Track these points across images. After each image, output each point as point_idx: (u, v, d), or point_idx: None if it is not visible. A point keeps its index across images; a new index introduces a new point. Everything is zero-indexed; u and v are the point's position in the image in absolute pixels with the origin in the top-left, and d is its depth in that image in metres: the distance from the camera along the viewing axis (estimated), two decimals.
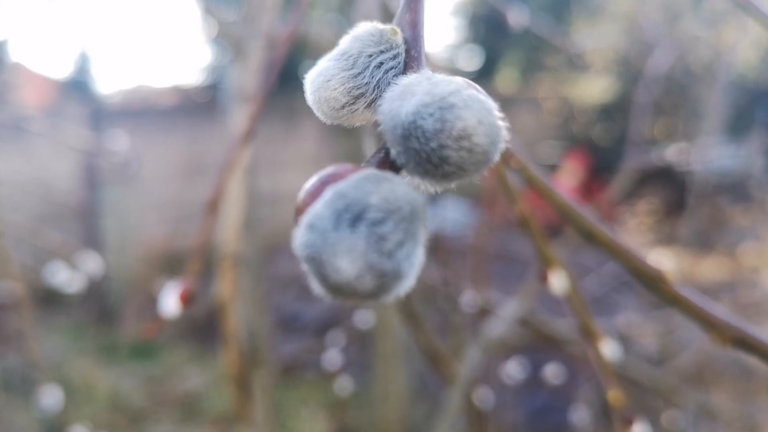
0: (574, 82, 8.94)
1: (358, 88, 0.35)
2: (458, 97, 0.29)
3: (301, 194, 0.30)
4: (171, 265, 5.14)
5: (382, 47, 0.36)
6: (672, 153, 3.33)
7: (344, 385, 2.47)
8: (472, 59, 10.74)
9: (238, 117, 1.49)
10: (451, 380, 2.09)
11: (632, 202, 6.65)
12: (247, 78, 1.46)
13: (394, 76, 0.35)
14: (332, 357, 2.63)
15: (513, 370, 2.76)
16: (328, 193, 0.29)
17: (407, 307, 1.99)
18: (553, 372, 2.74)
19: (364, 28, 0.37)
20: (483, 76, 10.47)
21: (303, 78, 0.37)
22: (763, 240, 5.44)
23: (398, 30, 0.36)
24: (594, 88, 8.60)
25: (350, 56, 0.36)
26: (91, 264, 2.47)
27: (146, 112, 7.67)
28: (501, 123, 0.30)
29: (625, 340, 3.46)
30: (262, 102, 1.05)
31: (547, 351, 3.03)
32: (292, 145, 6.86)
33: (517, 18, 2.07)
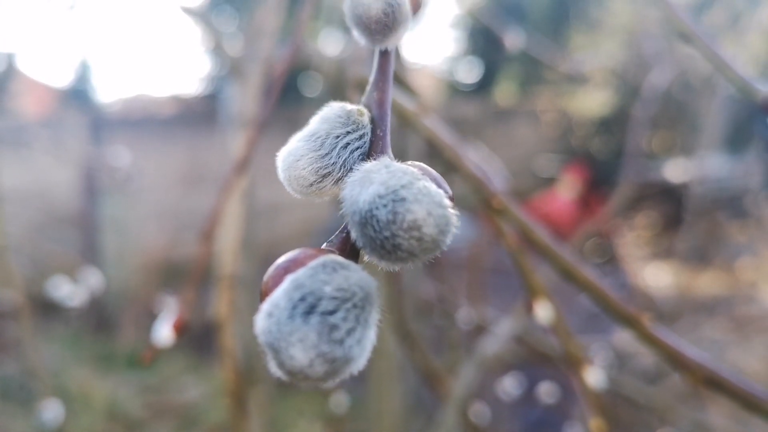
0: (573, 95, 8.96)
1: (326, 168, 0.38)
2: (409, 191, 0.32)
3: (265, 278, 0.32)
4: (170, 274, 5.15)
5: (348, 128, 0.38)
6: (671, 172, 3.34)
7: (340, 402, 2.47)
8: (471, 71, 10.77)
9: (236, 141, 1.51)
10: (446, 397, 2.10)
11: (630, 216, 6.66)
12: (246, 102, 1.48)
13: (360, 156, 0.38)
14: None
15: (509, 385, 2.77)
16: (287, 282, 0.31)
17: (402, 324, 2.01)
18: (546, 390, 2.74)
19: (332, 109, 0.39)
20: (482, 89, 10.49)
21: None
22: (761, 255, 5.45)
23: (365, 111, 0.39)
24: (593, 102, 8.62)
25: (318, 137, 0.38)
26: (92, 278, 2.49)
27: (146, 122, 7.69)
28: (450, 213, 0.32)
29: (621, 357, 3.46)
30: (260, 129, 1.07)
31: (543, 367, 3.04)
32: None
33: (513, 40, 2.09)
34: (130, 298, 5.41)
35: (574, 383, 1.04)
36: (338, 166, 0.37)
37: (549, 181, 7.38)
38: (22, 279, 2.26)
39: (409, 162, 0.35)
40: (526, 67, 9.55)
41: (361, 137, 0.38)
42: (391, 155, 0.37)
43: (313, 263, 0.31)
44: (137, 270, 5.63)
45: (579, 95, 8.86)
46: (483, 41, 9.96)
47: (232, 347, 1.32)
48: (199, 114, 8.12)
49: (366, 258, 0.34)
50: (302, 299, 0.30)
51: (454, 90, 10.90)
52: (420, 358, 2.05)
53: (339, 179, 0.37)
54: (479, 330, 2.41)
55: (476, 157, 0.98)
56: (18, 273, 2.22)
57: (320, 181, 0.38)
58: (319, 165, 0.37)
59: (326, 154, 0.37)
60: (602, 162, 7.79)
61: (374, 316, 0.32)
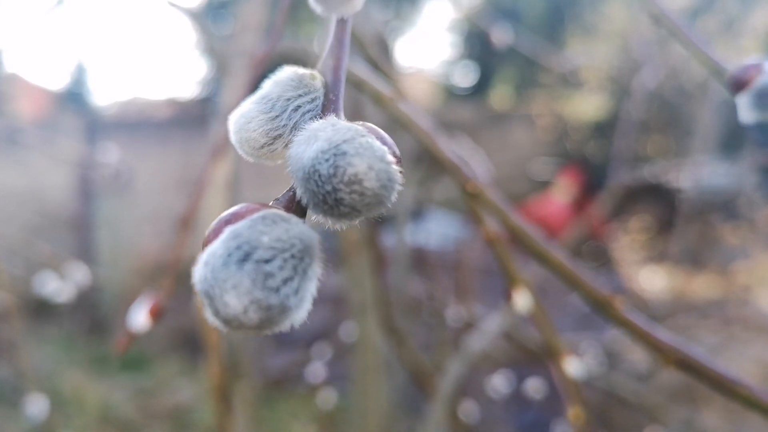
0: (568, 99, 8.99)
1: (276, 130, 0.38)
2: (351, 145, 0.32)
3: (207, 231, 0.33)
4: (164, 277, 5.14)
5: (300, 91, 0.38)
6: (662, 171, 3.35)
7: (327, 398, 2.47)
8: (467, 75, 10.81)
9: (218, 133, 1.52)
10: (433, 394, 2.10)
11: (624, 219, 6.68)
12: (231, 96, 1.49)
13: (310, 118, 0.38)
14: (316, 369, 2.64)
15: (499, 384, 2.77)
16: (226, 232, 0.31)
17: (388, 319, 2.01)
18: (534, 387, 2.74)
19: (285, 73, 0.39)
20: (477, 92, 10.52)
21: None
22: (754, 258, 5.46)
23: (318, 75, 0.39)
24: (588, 106, 8.64)
25: (270, 100, 0.38)
26: (80, 274, 2.48)
27: (141, 125, 7.70)
28: (393, 168, 0.32)
29: (613, 356, 3.47)
30: None
31: (536, 366, 3.04)
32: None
33: (500, 37, 2.09)
34: (124, 300, 5.40)
35: (553, 373, 1.05)
36: (289, 128, 0.38)
37: (544, 185, 7.39)
38: (12, 280, 2.26)
39: (359, 122, 0.35)
40: (522, 71, 9.58)
41: (312, 100, 0.38)
42: (342, 117, 0.37)
43: (254, 216, 0.32)
44: (132, 272, 5.63)
45: (574, 99, 8.89)
46: (479, 45, 9.99)
47: (216, 341, 1.32)
48: (195, 117, 8.12)
49: (313, 217, 0.34)
50: (238, 248, 0.30)
51: (450, 94, 10.93)
52: (407, 355, 2.05)
53: (290, 142, 0.38)
54: (468, 327, 2.41)
55: (457, 148, 0.98)
56: (6, 273, 2.22)
57: (271, 143, 0.38)
58: (269, 127, 0.38)
59: (277, 116, 0.38)
60: (597, 166, 7.81)
61: (315, 269, 0.32)
